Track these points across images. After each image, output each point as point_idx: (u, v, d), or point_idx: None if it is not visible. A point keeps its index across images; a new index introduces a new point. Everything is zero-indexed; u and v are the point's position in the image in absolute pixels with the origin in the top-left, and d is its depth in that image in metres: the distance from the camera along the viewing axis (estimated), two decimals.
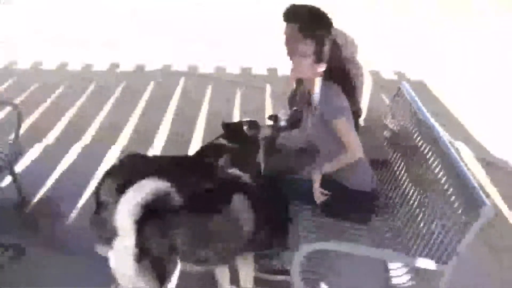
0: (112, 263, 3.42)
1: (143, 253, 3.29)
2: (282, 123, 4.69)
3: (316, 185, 3.89)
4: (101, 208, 3.91)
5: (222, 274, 4.07)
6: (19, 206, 5.51)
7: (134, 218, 3.22)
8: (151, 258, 3.33)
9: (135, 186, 3.27)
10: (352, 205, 3.98)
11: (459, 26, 12.81)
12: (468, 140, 6.98)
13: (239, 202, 3.67)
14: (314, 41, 3.84)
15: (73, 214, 5.32)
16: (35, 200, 5.63)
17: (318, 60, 3.85)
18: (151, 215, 3.29)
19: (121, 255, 3.33)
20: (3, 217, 5.35)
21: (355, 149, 3.84)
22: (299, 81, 4.49)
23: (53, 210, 5.43)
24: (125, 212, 3.23)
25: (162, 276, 3.39)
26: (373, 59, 8.85)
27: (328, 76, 3.92)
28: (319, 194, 3.89)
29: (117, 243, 3.33)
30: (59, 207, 5.47)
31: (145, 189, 3.26)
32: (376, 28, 12.05)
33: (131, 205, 3.22)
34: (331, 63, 3.88)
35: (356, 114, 4.17)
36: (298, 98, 4.50)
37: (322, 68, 3.87)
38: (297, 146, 4.49)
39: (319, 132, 4.03)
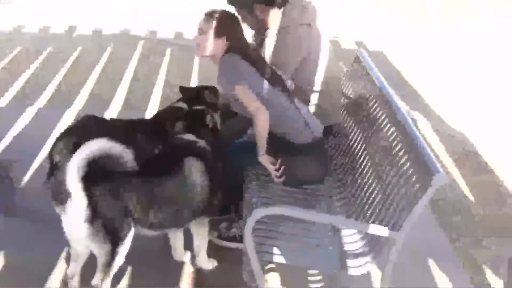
0: (65, 225, 3.38)
1: (95, 214, 3.24)
2: None
3: (269, 166, 3.87)
4: (55, 169, 3.85)
5: (176, 238, 4.05)
6: None
7: (84, 178, 3.16)
8: (104, 220, 3.28)
9: (83, 145, 3.21)
10: (304, 162, 3.95)
11: None
12: (426, 112, 7.01)
13: (192, 166, 3.64)
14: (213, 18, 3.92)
15: (26, 177, 5.22)
16: None
17: (217, 35, 3.91)
18: (102, 176, 3.26)
19: (73, 216, 3.27)
20: None
21: (259, 111, 3.78)
22: None
23: (4, 173, 5.32)
24: (75, 171, 3.16)
25: (115, 239, 3.35)
26: (334, 28, 8.89)
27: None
28: (275, 173, 3.87)
29: (69, 204, 3.26)
30: (11, 170, 5.35)
31: (92, 147, 3.19)
32: None
33: (80, 164, 3.16)
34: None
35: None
36: None
37: (221, 44, 3.93)
38: None
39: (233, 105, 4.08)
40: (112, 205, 3.31)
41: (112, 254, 3.37)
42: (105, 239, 3.32)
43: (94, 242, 3.32)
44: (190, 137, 3.88)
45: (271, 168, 3.84)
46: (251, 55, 3.97)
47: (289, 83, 4.11)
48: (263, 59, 4.13)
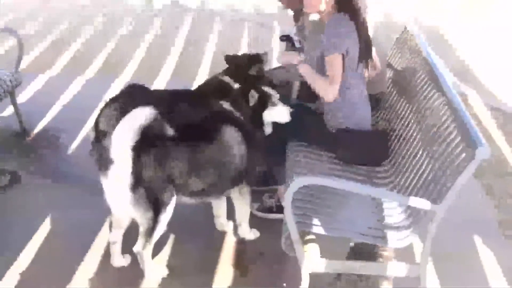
0: (107, 192, 3.42)
1: (138, 182, 3.27)
2: (296, 44, 4.61)
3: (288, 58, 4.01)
4: (100, 136, 3.89)
5: (219, 208, 4.07)
6: (19, 135, 5.52)
7: (130, 145, 3.20)
8: (146, 188, 3.31)
9: (130, 114, 3.23)
10: (367, 147, 3.93)
11: None
12: (478, 86, 6.87)
13: (230, 134, 3.64)
14: None
15: (74, 145, 5.31)
16: (36, 130, 5.62)
17: None
18: (146, 144, 3.26)
19: (116, 183, 3.31)
20: (3, 144, 5.37)
21: (330, 91, 3.76)
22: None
23: (53, 140, 5.43)
24: (121, 139, 3.21)
25: (157, 207, 3.38)
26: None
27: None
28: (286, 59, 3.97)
29: (112, 171, 3.30)
30: (59, 138, 5.47)
31: (140, 116, 3.21)
32: None
33: (126, 131, 3.19)
34: None
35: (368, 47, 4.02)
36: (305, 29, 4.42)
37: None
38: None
39: (317, 69, 3.96)
40: (155, 173, 3.32)
41: (154, 221, 3.40)
42: (148, 206, 3.35)
43: (137, 209, 3.35)
44: (227, 106, 3.87)
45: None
46: (358, 16, 3.83)
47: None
48: (366, 26, 3.96)
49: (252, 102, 3.82)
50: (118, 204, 3.42)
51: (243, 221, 3.99)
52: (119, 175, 3.27)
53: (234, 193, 3.87)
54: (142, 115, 3.22)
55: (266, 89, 3.92)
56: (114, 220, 3.64)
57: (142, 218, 3.40)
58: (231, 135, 3.64)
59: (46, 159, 5.13)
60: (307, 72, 3.90)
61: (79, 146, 5.27)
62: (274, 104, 3.88)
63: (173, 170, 3.40)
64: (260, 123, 3.90)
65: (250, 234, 4.03)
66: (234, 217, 4.06)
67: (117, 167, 3.27)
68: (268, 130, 3.96)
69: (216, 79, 4.53)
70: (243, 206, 3.93)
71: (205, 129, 3.67)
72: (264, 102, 3.88)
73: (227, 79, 4.43)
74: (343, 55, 3.72)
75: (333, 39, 3.72)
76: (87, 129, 5.49)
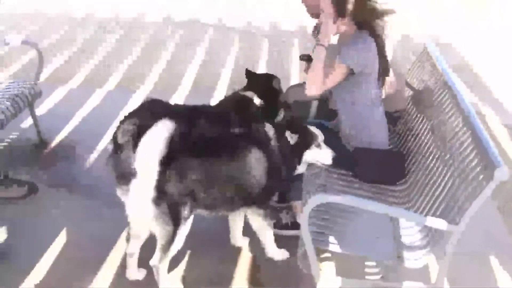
0: (129, 206, 3.44)
1: (161, 196, 3.29)
2: None
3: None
4: (118, 150, 3.90)
5: (235, 222, 4.07)
6: (38, 147, 5.56)
7: (156, 158, 3.21)
8: (169, 202, 3.32)
9: (156, 126, 3.24)
10: (384, 166, 3.93)
11: None
12: (496, 106, 6.83)
13: (254, 156, 3.62)
14: None
15: (91, 158, 5.34)
16: (55, 142, 5.66)
17: (340, 14, 3.76)
18: (171, 158, 3.28)
19: (139, 197, 3.32)
20: (22, 156, 5.41)
21: (318, 86, 3.76)
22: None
23: (71, 152, 5.47)
24: (147, 152, 3.22)
25: (177, 221, 3.39)
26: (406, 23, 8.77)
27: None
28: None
29: (135, 185, 3.32)
30: (77, 150, 5.51)
31: (165, 129, 3.22)
32: None
33: (152, 145, 3.22)
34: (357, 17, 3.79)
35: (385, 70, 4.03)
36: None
37: (345, 23, 3.78)
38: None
39: (338, 89, 3.96)
40: (178, 187, 3.34)
41: (173, 235, 3.41)
42: (168, 220, 3.36)
43: (158, 223, 3.36)
44: (271, 132, 3.84)
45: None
46: (378, 34, 3.84)
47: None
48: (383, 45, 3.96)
49: (292, 142, 3.79)
50: (139, 216, 3.42)
51: (268, 243, 3.95)
52: (143, 188, 3.29)
53: (249, 214, 3.87)
54: (167, 129, 3.23)
55: (312, 129, 3.87)
56: (133, 232, 3.64)
57: (162, 231, 3.40)
58: (255, 158, 3.62)
59: (64, 171, 5.16)
60: (320, 56, 3.81)
61: (97, 159, 5.29)
62: (318, 146, 3.83)
63: (195, 185, 3.41)
64: (298, 161, 3.86)
65: (278, 254, 3.98)
66: (251, 233, 4.05)
67: (141, 180, 3.28)
68: (301, 169, 3.92)
69: (238, 95, 4.52)
70: (264, 229, 3.89)
71: (229, 145, 3.68)
72: (308, 142, 3.83)
73: (249, 94, 4.44)
74: (349, 69, 3.73)
75: (351, 51, 3.72)
76: (105, 142, 5.52)
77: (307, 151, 3.82)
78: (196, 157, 3.45)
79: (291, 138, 3.77)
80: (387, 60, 3.94)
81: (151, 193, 3.26)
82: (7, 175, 4.79)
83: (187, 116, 4.00)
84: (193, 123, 3.87)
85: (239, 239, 4.12)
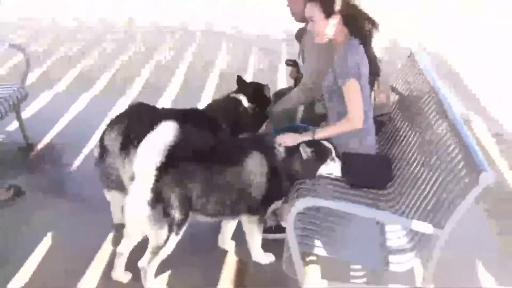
0: (126, 207, 3.42)
1: (157, 199, 3.30)
2: (302, 69, 4.63)
3: (297, 140, 3.81)
4: (104, 154, 3.90)
5: (227, 225, 4.07)
6: (24, 150, 5.54)
7: (154, 162, 3.22)
8: (165, 206, 3.34)
9: (156, 130, 3.23)
10: (372, 171, 3.92)
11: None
12: (482, 113, 6.87)
13: (255, 163, 3.63)
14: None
15: (77, 162, 5.32)
16: (41, 145, 5.65)
17: (328, 14, 3.76)
18: (170, 162, 3.28)
19: (136, 199, 3.33)
20: (7, 159, 5.39)
21: (356, 116, 3.72)
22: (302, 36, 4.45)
23: (57, 156, 5.46)
24: (145, 155, 3.23)
25: (172, 226, 3.40)
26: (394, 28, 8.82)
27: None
28: (282, 140, 3.81)
29: (133, 187, 3.34)
30: (63, 154, 5.49)
31: (170, 132, 3.23)
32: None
33: (151, 148, 3.21)
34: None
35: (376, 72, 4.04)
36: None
37: (335, 20, 3.78)
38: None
39: (329, 96, 3.97)
40: (176, 192, 3.35)
41: (166, 239, 3.41)
42: (163, 224, 3.37)
43: (152, 225, 3.35)
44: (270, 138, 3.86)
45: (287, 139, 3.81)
46: (368, 41, 3.86)
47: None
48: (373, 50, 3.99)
49: (304, 156, 3.76)
50: (134, 217, 3.40)
51: (255, 247, 3.95)
52: (140, 189, 3.30)
53: (245, 220, 3.86)
54: (168, 133, 3.23)
55: (326, 143, 3.84)
56: (126, 233, 3.62)
57: (155, 234, 3.40)
58: (256, 166, 3.63)
59: (50, 174, 5.15)
60: (324, 134, 3.83)
61: (83, 163, 5.28)
62: (333, 160, 3.82)
63: (192, 191, 3.42)
64: (313, 174, 3.84)
65: (264, 258, 3.98)
66: (237, 237, 4.06)
67: (139, 181, 3.30)
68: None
69: (228, 98, 4.51)
70: (255, 233, 3.89)
71: (231, 152, 3.70)
72: (324, 156, 3.81)
73: (240, 97, 4.44)
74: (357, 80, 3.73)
75: (351, 65, 3.70)
76: (91, 146, 5.51)
77: (323, 165, 3.82)
78: (195, 163, 3.47)
79: (305, 152, 3.75)
80: (377, 62, 3.95)
81: (147, 195, 3.27)
82: None
83: (175, 120, 4.00)
84: (181, 127, 3.86)
85: (227, 242, 4.12)
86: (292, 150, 3.76)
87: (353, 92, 3.71)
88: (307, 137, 3.80)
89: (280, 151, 3.75)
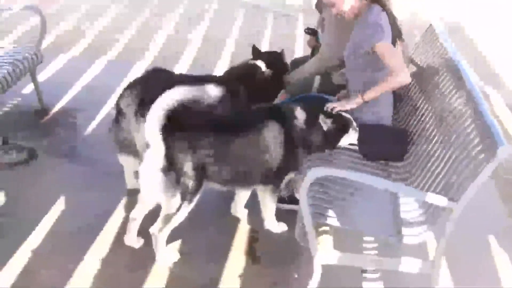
0: (140, 174, 3.43)
1: (170, 166, 3.30)
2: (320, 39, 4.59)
3: (347, 106, 3.79)
4: (120, 117, 3.89)
5: (242, 194, 4.07)
6: (38, 113, 5.54)
7: (159, 126, 3.21)
8: (178, 173, 3.33)
9: (163, 96, 3.22)
10: (388, 143, 3.91)
11: None
12: (501, 87, 6.80)
13: (271, 133, 3.61)
14: None
15: (91, 126, 5.32)
16: (55, 109, 5.64)
17: None
18: (182, 129, 3.30)
19: (149, 165, 3.33)
20: (22, 122, 5.38)
21: (401, 71, 3.65)
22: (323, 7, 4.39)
23: (71, 120, 5.46)
24: (153, 120, 3.21)
25: (184, 194, 3.39)
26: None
27: None
28: (339, 106, 3.79)
29: (147, 154, 3.33)
30: (77, 118, 5.49)
31: (172, 97, 3.21)
32: None
33: (158, 113, 3.19)
34: None
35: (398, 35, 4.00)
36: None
37: None
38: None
39: (350, 66, 3.95)
40: (189, 159, 3.34)
41: (178, 207, 3.42)
42: (176, 192, 3.37)
43: (165, 193, 3.36)
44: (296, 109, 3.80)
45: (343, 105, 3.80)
46: (389, 10, 3.82)
47: None
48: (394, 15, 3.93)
49: (325, 128, 3.72)
50: (148, 184, 3.41)
51: (269, 216, 3.96)
52: (152, 157, 3.30)
53: (260, 189, 3.85)
54: (176, 96, 3.22)
55: (345, 114, 3.80)
56: (140, 199, 3.63)
57: (168, 202, 3.41)
58: (272, 135, 3.61)
59: (63, 138, 5.14)
60: (373, 93, 3.75)
61: (97, 128, 5.28)
62: (355, 129, 3.80)
63: (206, 158, 3.41)
64: (333, 145, 3.83)
65: (276, 227, 3.99)
66: (249, 205, 4.08)
67: (151, 149, 3.29)
68: None
69: (246, 64, 4.48)
70: (269, 202, 3.89)
71: (247, 121, 3.69)
72: (346, 127, 3.78)
73: (259, 63, 4.40)
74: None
75: (376, 29, 3.68)
76: (105, 111, 5.52)
77: (345, 135, 3.79)
78: (209, 130, 3.45)
79: (325, 123, 3.72)
80: (397, 24, 3.91)
81: (160, 162, 3.27)
82: (7, 140, 4.78)
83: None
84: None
85: (240, 210, 4.13)
86: (312, 122, 3.72)
87: (388, 50, 3.68)
88: (357, 101, 3.78)
89: (300, 121, 3.72)
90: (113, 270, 3.56)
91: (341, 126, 3.76)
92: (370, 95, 3.74)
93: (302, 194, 3.05)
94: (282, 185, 3.92)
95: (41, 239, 3.78)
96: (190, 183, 3.38)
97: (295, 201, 3.82)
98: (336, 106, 3.78)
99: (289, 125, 3.69)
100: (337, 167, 3.65)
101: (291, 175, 3.84)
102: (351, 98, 3.82)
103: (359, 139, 3.80)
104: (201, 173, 3.41)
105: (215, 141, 3.45)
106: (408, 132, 4.00)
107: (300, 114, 3.73)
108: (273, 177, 3.74)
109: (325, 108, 3.76)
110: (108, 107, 5.53)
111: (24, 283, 3.42)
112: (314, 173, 3.07)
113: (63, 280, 3.43)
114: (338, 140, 3.79)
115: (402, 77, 3.67)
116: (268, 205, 3.89)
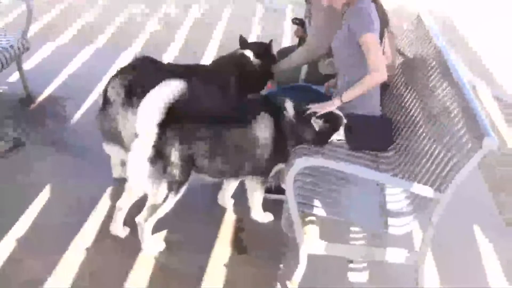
0: (128, 163, 3.42)
1: (158, 156, 3.29)
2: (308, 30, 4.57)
3: (326, 107, 3.78)
4: (107, 105, 3.86)
5: (229, 183, 4.05)
6: (24, 102, 5.49)
7: (155, 119, 3.21)
8: (165, 164, 3.32)
9: (159, 87, 3.20)
10: (373, 133, 3.92)
11: None
12: (489, 79, 6.82)
13: (262, 125, 3.62)
14: None
15: (78, 115, 5.29)
16: (41, 97, 5.60)
17: None
18: (172, 120, 3.27)
19: (137, 155, 3.32)
20: (8, 110, 5.33)
21: (378, 68, 3.65)
22: None
23: (57, 109, 5.41)
24: (147, 112, 3.20)
25: (171, 185, 3.39)
26: None
27: None
28: (318, 108, 3.78)
29: (136, 143, 3.32)
30: (64, 106, 5.44)
31: (171, 89, 3.20)
32: None
33: (150, 104, 3.18)
34: None
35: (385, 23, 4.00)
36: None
37: None
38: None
39: (340, 54, 3.94)
40: (177, 150, 3.33)
41: (165, 198, 3.41)
42: (163, 182, 3.36)
43: (151, 183, 3.35)
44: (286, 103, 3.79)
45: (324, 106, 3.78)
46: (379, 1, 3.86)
47: None
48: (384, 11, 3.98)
49: (317, 128, 3.72)
50: (135, 173, 3.39)
51: (256, 206, 3.97)
52: (141, 145, 3.28)
53: (248, 179, 3.87)
54: (170, 90, 3.20)
55: (336, 111, 3.79)
56: (127, 188, 3.61)
57: (154, 192, 3.40)
58: (262, 126, 3.62)
59: (50, 127, 5.09)
60: (350, 95, 3.75)
61: (83, 116, 5.24)
62: (343, 126, 3.80)
63: (195, 149, 3.41)
64: (325, 143, 3.83)
65: (263, 217, 4.00)
66: (235, 195, 4.08)
67: (141, 137, 3.28)
68: None
69: (235, 54, 4.47)
70: (257, 192, 3.90)
71: (235, 113, 3.68)
72: (337, 126, 3.79)
73: (248, 53, 4.40)
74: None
75: (366, 20, 3.68)
76: (92, 99, 5.49)
77: (336, 133, 3.80)
78: (199, 121, 3.44)
79: (317, 124, 3.71)
80: (385, 13, 3.94)
81: (148, 152, 3.26)
82: None
83: (178, 76, 3.95)
84: (188, 83, 3.82)
85: (227, 200, 4.12)
86: (305, 119, 3.73)
87: (372, 45, 3.67)
88: (335, 103, 3.78)
89: (289, 113, 3.71)
90: (99, 259, 3.55)
91: (333, 124, 3.77)
92: (347, 97, 3.75)
93: (288, 184, 3.05)
94: (270, 175, 3.93)
95: (26, 228, 3.76)
96: (177, 174, 3.37)
97: (281, 191, 3.82)
98: (317, 108, 3.77)
99: (279, 118, 3.70)
100: (326, 158, 3.65)
101: (280, 166, 3.84)
102: (331, 102, 3.81)
103: (345, 130, 3.80)
104: (188, 164, 3.41)
105: (204, 132, 3.44)
106: (393, 122, 4.00)
107: (290, 108, 3.73)
108: (262, 169, 3.74)
109: (307, 112, 3.75)
110: (96, 95, 5.50)
111: (9, 271, 3.39)
112: (301, 163, 3.07)
113: (48, 269, 3.41)
114: (329, 138, 3.81)
115: (378, 76, 3.69)
116: (256, 195, 3.90)
